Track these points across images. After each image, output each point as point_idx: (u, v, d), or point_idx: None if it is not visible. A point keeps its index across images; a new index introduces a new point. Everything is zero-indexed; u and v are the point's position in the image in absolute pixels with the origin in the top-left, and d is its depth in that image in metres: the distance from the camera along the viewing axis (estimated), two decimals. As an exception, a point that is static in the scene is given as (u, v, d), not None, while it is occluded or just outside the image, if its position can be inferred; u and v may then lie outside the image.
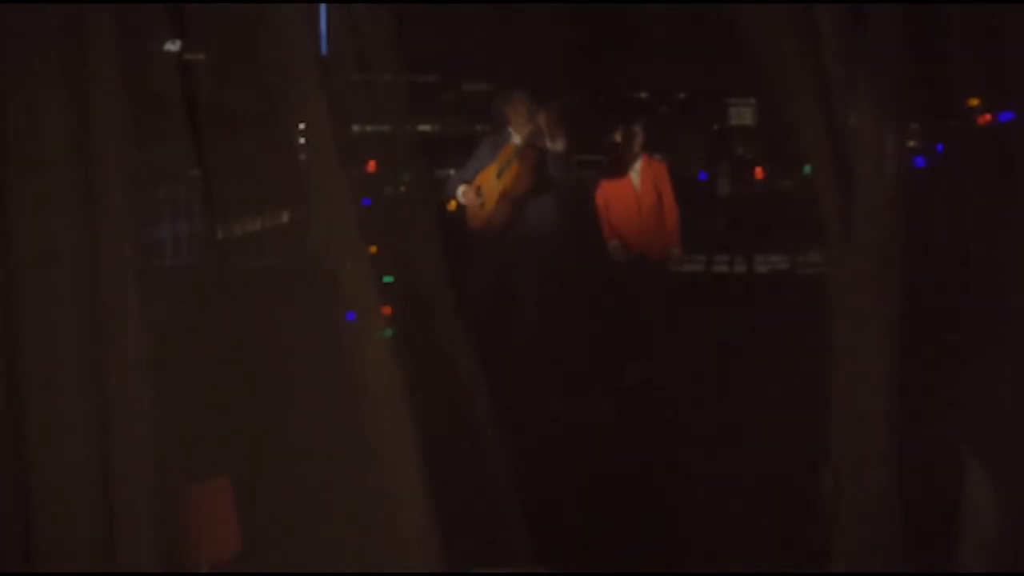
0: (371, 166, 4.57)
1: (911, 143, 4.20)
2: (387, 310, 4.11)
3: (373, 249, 3.61)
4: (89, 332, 2.79)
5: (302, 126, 3.51)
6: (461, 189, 6.67)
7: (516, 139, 6.66)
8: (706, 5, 7.27)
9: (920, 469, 3.59)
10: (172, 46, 3.46)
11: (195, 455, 3.07)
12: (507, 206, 6.54)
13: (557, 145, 6.61)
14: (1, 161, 2.75)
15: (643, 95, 12.93)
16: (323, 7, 4.26)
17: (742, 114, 13.11)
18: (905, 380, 3.51)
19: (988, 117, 4.04)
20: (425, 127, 7.42)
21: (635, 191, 7.07)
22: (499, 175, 6.58)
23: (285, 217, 3.69)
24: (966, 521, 3.56)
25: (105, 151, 2.81)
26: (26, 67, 2.74)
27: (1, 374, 2.76)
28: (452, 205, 6.73)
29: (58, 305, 2.77)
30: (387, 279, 3.90)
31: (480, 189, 6.59)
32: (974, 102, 4.07)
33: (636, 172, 7.09)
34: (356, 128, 4.28)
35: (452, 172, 7.08)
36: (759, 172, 11.05)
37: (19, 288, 2.76)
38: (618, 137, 7.16)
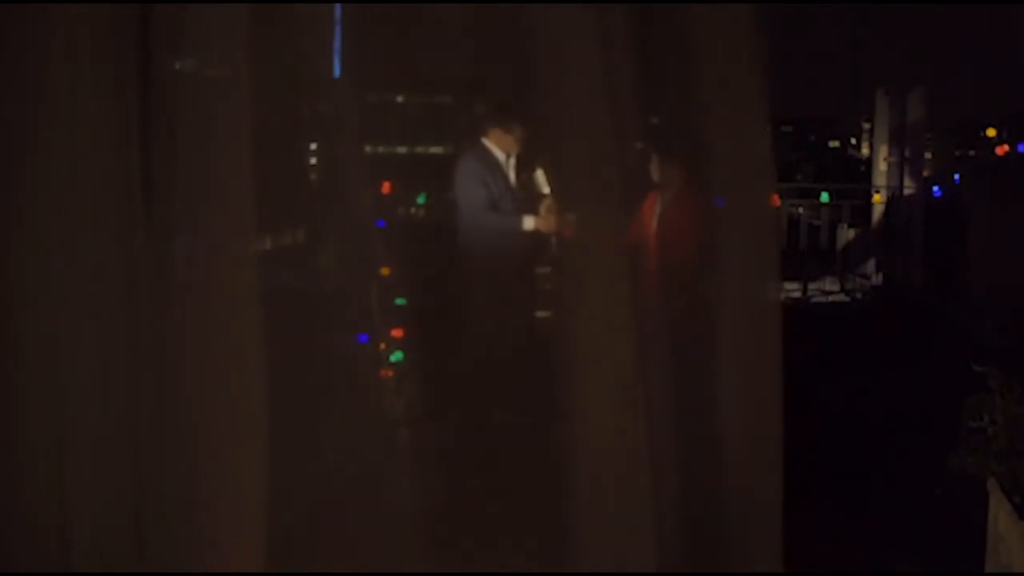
0: (386, 187, 4.52)
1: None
2: (399, 332, 4.08)
3: (386, 271, 3.58)
4: (128, 343, 2.85)
5: (315, 146, 3.50)
6: (530, 219, 5.99)
7: (500, 157, 5.89)
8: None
9: None
10: (189, 65, 3.45)
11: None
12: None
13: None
14: (48, 178, 2.80)
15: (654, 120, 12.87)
16: (337, 29, 4.24)
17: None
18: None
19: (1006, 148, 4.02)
20: (437, 149, 7.24)
21: (651, 231, 5.62)
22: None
23: (299, 236, 3.67)
24: None
25: (148, 168, 2.86)
26: (71, 88, 2.78)
27: (44, 381, 2.82)
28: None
29: (100, 317, 2.82)
30: (399, 301, 3.87)
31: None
32: (991, 132, 4.05)
33: (660, 206, 5.62)
34: (370, 149, 4.27)
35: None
36: (775, 199, 10.99)
37: (63, 300, 2.81)
38: (651, 168, 5.62)
